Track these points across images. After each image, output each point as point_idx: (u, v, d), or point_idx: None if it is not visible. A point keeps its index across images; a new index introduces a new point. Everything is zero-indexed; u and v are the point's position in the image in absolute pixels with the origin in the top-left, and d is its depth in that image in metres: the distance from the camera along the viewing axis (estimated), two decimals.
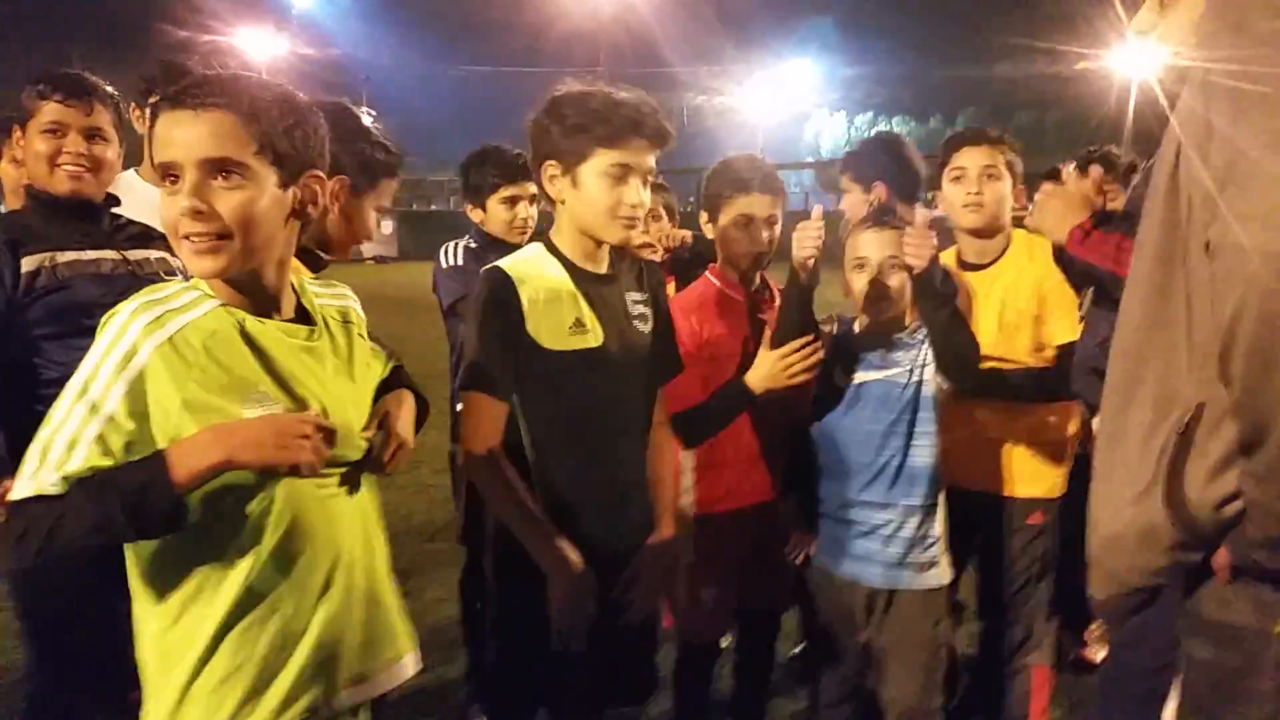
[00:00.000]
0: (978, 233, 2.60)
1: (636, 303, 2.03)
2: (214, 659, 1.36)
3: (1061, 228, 2.09)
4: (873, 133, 4.01)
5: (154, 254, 2.46)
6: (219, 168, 1.30)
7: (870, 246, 2.25)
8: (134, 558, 1.37)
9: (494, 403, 1.88)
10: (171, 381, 1.29)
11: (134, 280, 2.30)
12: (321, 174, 1.44)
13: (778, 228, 2.43)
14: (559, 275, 1.93)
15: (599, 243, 1.94)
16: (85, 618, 2.23)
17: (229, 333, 1.36)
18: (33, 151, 2.30)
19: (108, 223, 2.43)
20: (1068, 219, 2.08)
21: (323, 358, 1.48)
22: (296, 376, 1.41)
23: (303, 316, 1.49)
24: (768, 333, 2.30)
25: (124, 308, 1.32)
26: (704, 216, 2.49)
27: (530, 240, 2.89)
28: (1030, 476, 2.57)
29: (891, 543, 2.25)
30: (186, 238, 1.31)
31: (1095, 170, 2.26)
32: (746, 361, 2.31)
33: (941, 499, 2.29)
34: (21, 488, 1.26)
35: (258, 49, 34.48)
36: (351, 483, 1.50)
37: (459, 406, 2.88)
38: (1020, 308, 2.54)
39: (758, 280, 2.51)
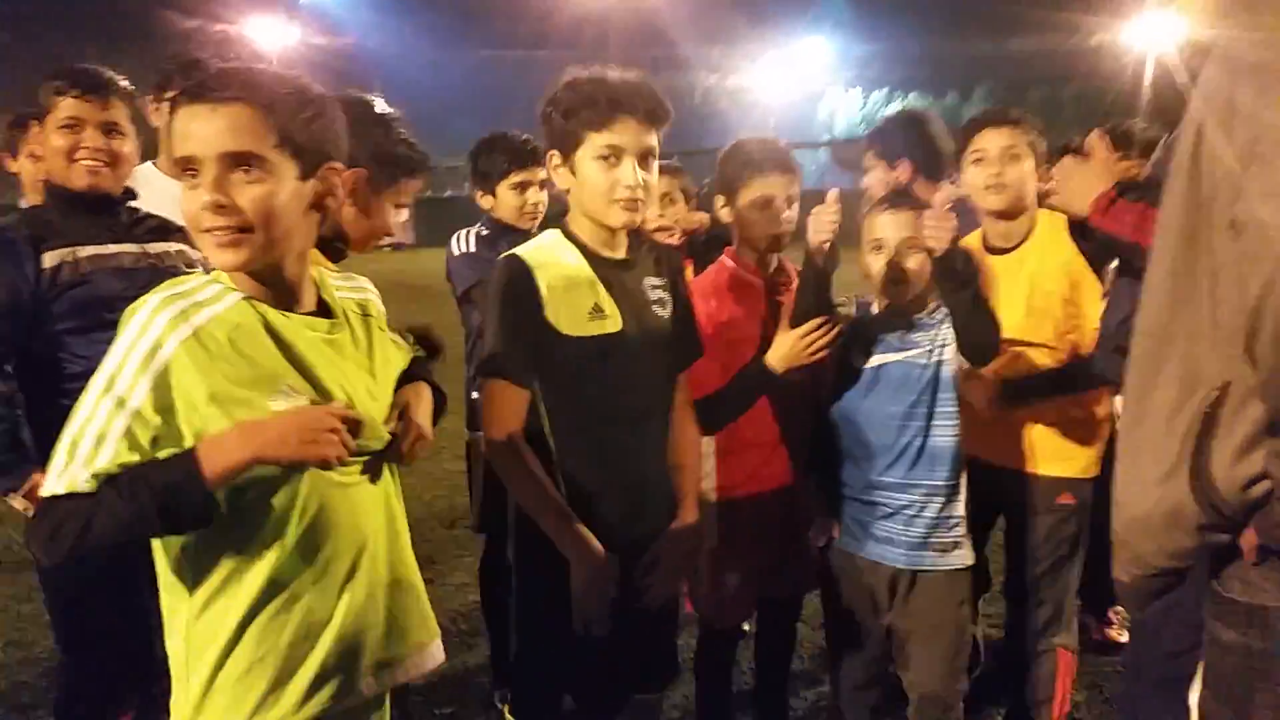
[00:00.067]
0: (1001, 215, 2.56)
1: (655, 288, 2.03)
2: (239, 648, 1.38)
3: (1084, 200, 2.07)
4: (899, 109, 3.96)
5: (173, 246, 2.47)
6: (239, 161, 1.31)
7: (887, 228, 2.23)
8: (162, 550, 1.39)
9: (514, 390, 1.88)
10: (198, 375, 1.29)
11: (154, 273, 2.32)
12: (339, 165, 1.44)
13: (795, 207, 2.41)
14: (576, 261, 1.92)
15: (612, 229, 1.94)
16: (114, 608, 2.26)
17: (253, 326, 1.37)
18: (51, 147, 2.32)
19: (126, 216, 2.45)
20: (1091, 191, 2.05)
21: (344, 350, 1.49)
22: (320, 369, 1.42)
23: (323, 309, 1.50)
24: (785, 315, 2.29)
25: (147, 301, 1.33)
26: (720, 201, 2.48)
27: (540, 226, 2.90)
28: (1058, 455, 2.54)
29: (914, 524, 2.24)
30: (208, 231, 1.32)
31: (1097, 137, 2.22)
32: (764, 345, 2.30)
33: (964, 481, 2.28)
34: (53, 484, 1.28)
35: (268, 38, 34.47)
36: (374, 472, 1.51)
37: (474, 394, 2.91)
38: (1049, 289, 2.50)
39: (775, 263, 2.50)
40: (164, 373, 1.28)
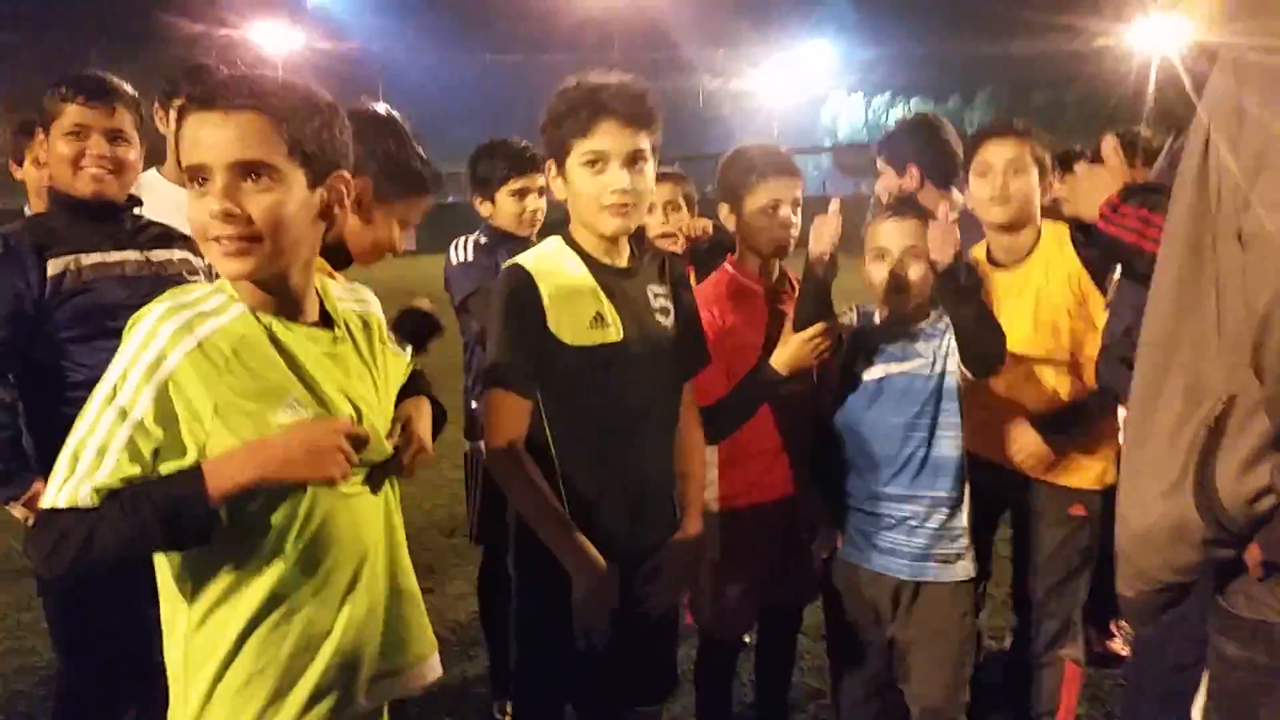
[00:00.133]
0: (1005, 228, 2.55)
1: (658, 296, 2.02)
2: (239, 660, 1.37)
3: (1096, 206, 2.06)
4: (910, 114, 3.95)
5: (176, 254, 2.47)
6: (250, 170, 1.30)
7: (890, 236, 2.23)
8: (163, 561, 1.38)
9: (516, 400, 1.88)
10: (203, 387, 1.29)
11: (157, 281, 2.32)
12: (347, 174, 1.44)
13: (799, 209, 2.41)
14: (579, 270, 1.92)
15: (605, 236, 1.93)
16: (113, 612, 2.25)
17: (258, 338, 1.36)
18: (55, 154, 2.31)
19: (130, 223, 2.44)
20: (1103, 197, 2.03)
21: (346, 362, 1.48)
22: (324, 382, 1.41)
23: (325, 319, 1.50)
24: (788, 323, 2.29)
25: (151, 311, 1.32)
26: (725, 209, 2.47)
27: (539, 233, 2.90)
28: (1070, 466, 2.52)
29: (917, 535, 2.24)
30: (217, 240, 1.31)
31: (1113, 145, 2.20)
32: (767, 353, 2.30)
33: (968, 492, 2.27)
34: (53, 495, 1.27)
35: (272, 43, 34.57)
36: (375, 483, 1.51)
37: (474, 404, 2.91)
38: (1055, 304, 2.49)
39: (777, 271, 2.49)
40: (167, 384, 1.27)
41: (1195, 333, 1.15)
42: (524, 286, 1.86)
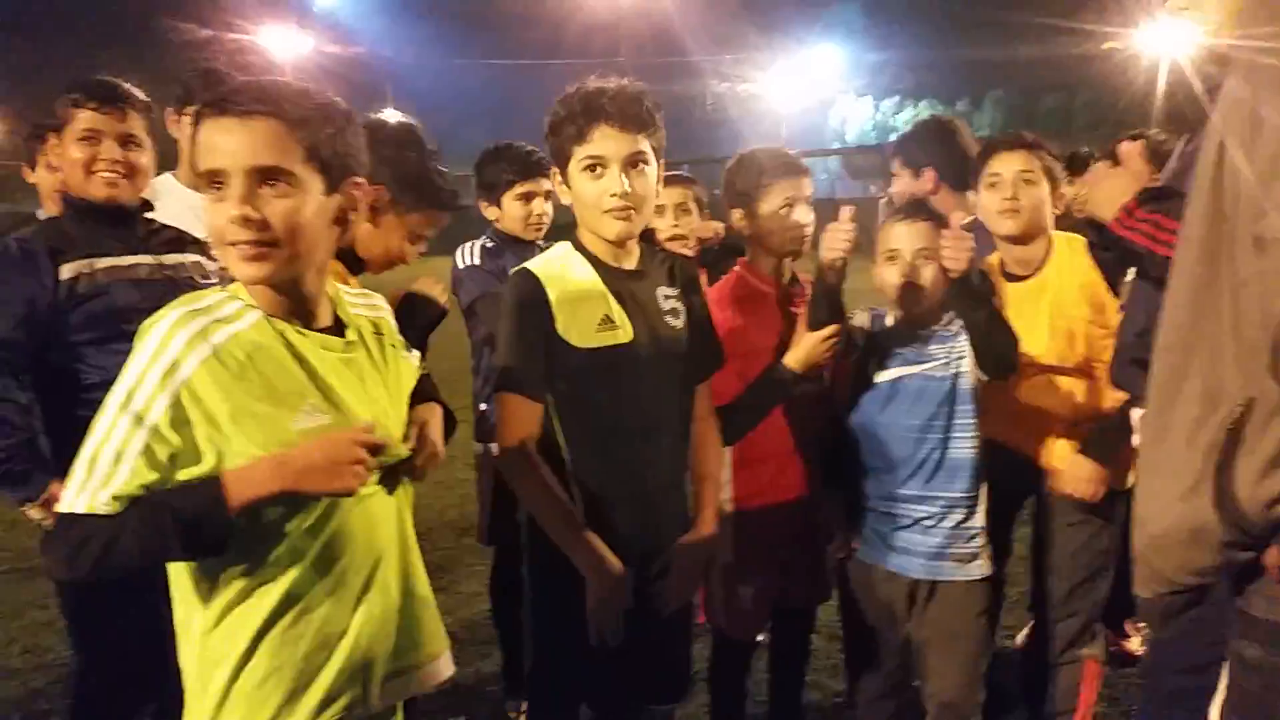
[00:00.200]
0: (1016, 240, 2.53)
1: (668, 298, 2.02)
2: (254, 661, 1.37)
3: (1113, 207, 2.05)
4: (926, 116, 3.92)
5: (189, 258, 2.48)
6: (267, 175, 1.31)
7: (902, 239, 2.23)
8: (178, 564, 1.39)
9: (527, 403, 1.89)
10: (219, 394, 1.29)
11: (170, 285, 2.33)
12: (362, 180, 1.44)
13: (811, 208, 2.41)
14: (587, 273, 1.93)
15: (608, 240, 1.93)
16: (130, 617, 2.26)
17: (273, 344, 1.37)
18: (68, 159, 2.33)
19: (143, 228, 2.46)
20: (1122, 198, 2.03)
21: (360, 368, 1.49)
22: (339, 388, 1.42)
23: (337, 325, 1.50)
24: (801, 323, 2.29)
25: (165, 317, 1.33)
26: (737, 214, 2.46)
27: (545, 238, 2.91)
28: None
29: (932, 534, 2.24)
30: (234, 244, 1.31)
31: (1139, 148, 2.20)
32: (779, 355, 2.30)
33: (983, 492, 2.27)
34: (71, 499, 1.28)
35: (281, 47, 34.65)
36: (390, 485, 1.52)
37: (482, 406, 2.91)
38: (1071, 313, 2.48)
39: (789, 274, 2.49)
40: (183, 391, 1.28)
41: (1212, 337, 1.15)
42: (532, 291, 1.88)
